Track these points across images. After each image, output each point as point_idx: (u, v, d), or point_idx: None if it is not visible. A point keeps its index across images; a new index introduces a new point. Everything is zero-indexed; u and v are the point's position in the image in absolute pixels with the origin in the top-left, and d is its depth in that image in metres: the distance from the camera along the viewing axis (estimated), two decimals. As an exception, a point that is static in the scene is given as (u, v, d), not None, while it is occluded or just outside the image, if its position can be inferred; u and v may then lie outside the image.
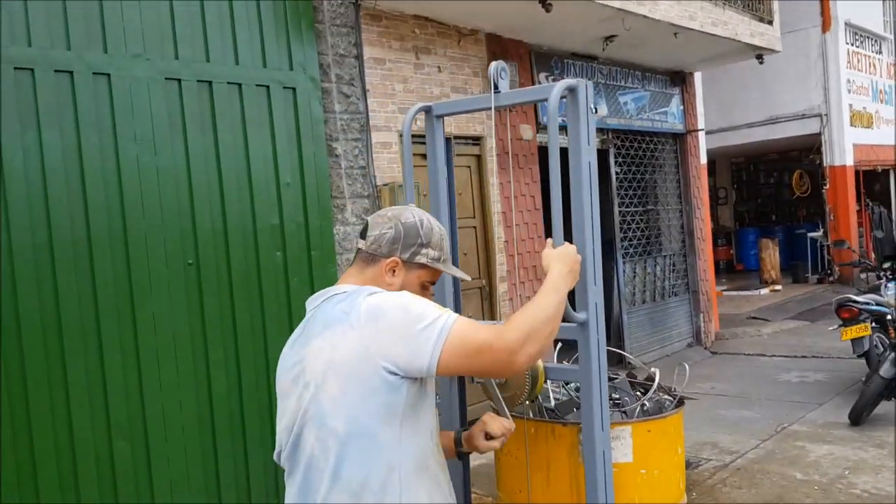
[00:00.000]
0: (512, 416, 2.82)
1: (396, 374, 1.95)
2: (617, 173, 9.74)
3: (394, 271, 2.14)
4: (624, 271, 9.77)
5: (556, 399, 2.87)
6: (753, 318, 13.17)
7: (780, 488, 5.76)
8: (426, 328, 1.94)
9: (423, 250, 2.15)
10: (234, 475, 5.00)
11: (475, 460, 6.27)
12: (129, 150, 4.56)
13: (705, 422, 7.59)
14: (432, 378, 2.06)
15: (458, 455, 2.48)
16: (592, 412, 2.44)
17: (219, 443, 4.92)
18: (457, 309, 2.74)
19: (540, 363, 2.54)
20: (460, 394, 2.58)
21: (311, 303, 2.14)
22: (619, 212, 9.74)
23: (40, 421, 4.23)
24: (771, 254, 17.14)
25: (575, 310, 2.45)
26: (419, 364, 1.93)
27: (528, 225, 8.10)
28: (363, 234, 2.18)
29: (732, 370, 10.03)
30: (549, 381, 2.92)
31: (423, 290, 2.19)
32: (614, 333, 9.68)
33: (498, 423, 2.37)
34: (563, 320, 2.13)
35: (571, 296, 2.37)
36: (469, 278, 2.42)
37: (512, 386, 2.53)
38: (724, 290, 16.14)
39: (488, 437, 2.38)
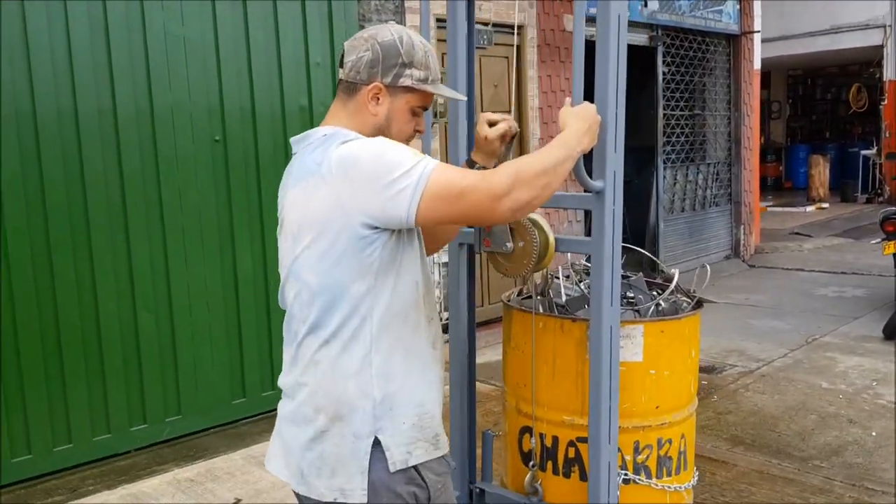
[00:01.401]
0: (521, 310, 2.63)
1: (374, 227, 1.82)
2: (664, 73, 9.25)
3: (377, 99, 1.94)
4: (664, 177, 9.41)
5: (567, 295, 2.67)
6: (796, 233, 12.74)
7: (803, 395, 5.58)
8: (403, 176, 1.77)
9: (407, 71, 1.93)
10: (258, 354, 5.00)
11: (482, 356, 6.17)
12: (155, 19, 4.36)
13: (735, 330, 7.38)
14: (416, 229, 1.93)
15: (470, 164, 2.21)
16: (602, 290, 2.26)
17: (243, 321, 4.90)
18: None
19: (550, 234, 2.32)
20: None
21: (295, 144, 1.99)
22: (664, 115, 9.29)
23: (65, 290, 4.22)
24: (821, 171, 16.49)
25: (592, 178, 2.21)
26: (397, 214, 1.79)
27: (569, 124, 7.73)
28: (341, 62, 1.98)
29: (769, 283, 9.74)
30: (560, 277, 2.71)
31: (415, 117, 2.00)
32: (649, 241, 9.40)
33: (495, 115, 2.15)
34: (580, 189, 1.85)
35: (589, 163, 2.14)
36: (464, 98, 2.17)
37: (519, 254, 2.32)
38: (770, 206, 15.65)
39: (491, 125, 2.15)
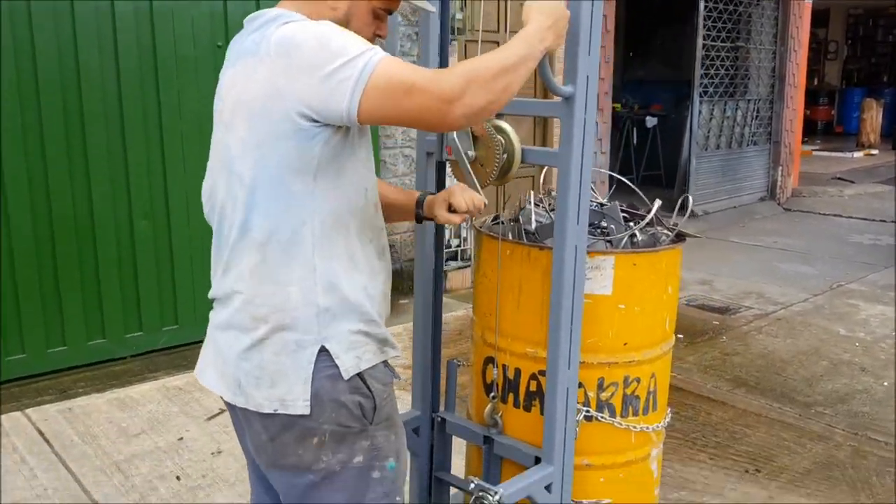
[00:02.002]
0: (489, 236, 2.43)
1: (313, 120, 1.62)
2: (706, 2, 8.66)
3: None
4: (700, 112, 8.97)
5: (538, 222, 2.44)
6: (838, 178, 12.19)
7: (818, 341, 5.32)
8: (347, 64, 1.56)
9: None
10: None
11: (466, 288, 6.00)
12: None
13: (758, 272, 7.08)
14: (362, 127, 1.73)
15: (417, 218, 2.15)
16: (567, 206, 2.07)
17: None
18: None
19: (516, 142, 2.11)
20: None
21: (247, 24, 1.76)
22: (704, 45, 8.77)
23: (60, 194, 4.12)
24: (873, 115, 15.70)
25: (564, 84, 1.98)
26: (336, 108, 1.58)
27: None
28: None
29: (802, 227, 9.35)
30: (531, 203, 2.49)
31: (377, 20, 1.79)
32: (680, 178, 9.03)
33: (465, 198, 2.03)
34: (546, 94, 1.64)
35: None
36: (434, 9, 1.93)
37: (482, 163, 2.12)
38: (816, 151, 14.99)
39: (451, 209, 2.04)
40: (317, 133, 1.61)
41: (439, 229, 2.50)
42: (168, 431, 3.71)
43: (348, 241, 1.72)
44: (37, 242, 4.05)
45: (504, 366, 2.46)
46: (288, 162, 1.63)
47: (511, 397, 2.45)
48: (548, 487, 2.22)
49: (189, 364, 4.46)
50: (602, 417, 2.40)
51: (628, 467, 2.48)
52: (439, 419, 2.60)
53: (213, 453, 3.50)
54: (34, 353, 4.16)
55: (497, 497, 2.06)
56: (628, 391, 2.42)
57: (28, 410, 3.86)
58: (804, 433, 3.96)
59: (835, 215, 10.03)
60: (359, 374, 1.73)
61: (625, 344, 2.38)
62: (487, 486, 2.10)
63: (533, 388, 2.40)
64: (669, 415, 2.65)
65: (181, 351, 4.66)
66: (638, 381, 2.43)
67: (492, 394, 2.48)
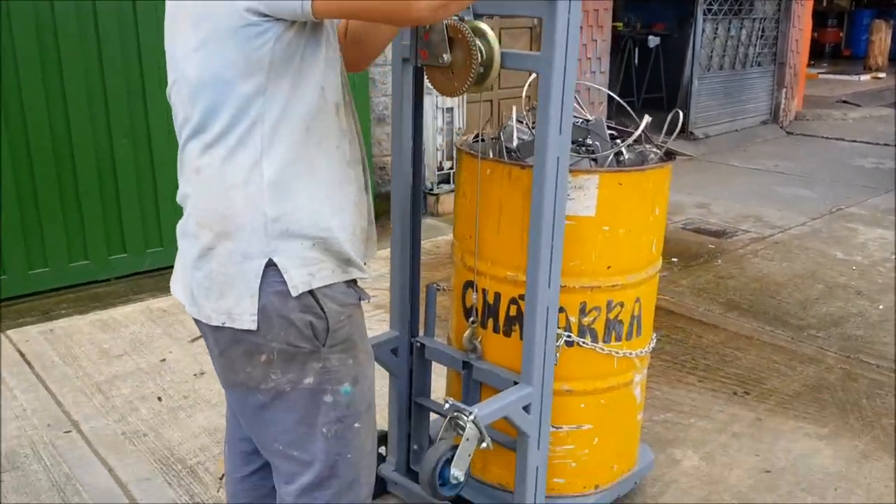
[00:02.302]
0: (469, 154, 2.28)
1: (262, 15, 1.47)
2: None
3: None
4: (703, 31, 8.63)
5: (520, 139, 2.28)
6: (844, 101, 11.87)
7: (815, 265, 5.20)
8: None
9: None
10: None
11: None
12: None
13: (755, 196, 6.91)
14: (322, 25, 1.57)
15: None
16: (549, 116, 1.92)
17: None
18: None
19: (496, 46, 1.94)
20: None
21: None
22: (709, -39, 8.38)
23: (35, 113, 3.95)
24: (882, 37, 15.23)
25: None
26: (289, 2, 1.44)
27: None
28: None
29: (804, 151, 9.12)
30: (514, 119, 2.32)
31: None
32: (681, 100, 8.76)
33: None
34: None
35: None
36: None
37: (458, 68, 1.96)
38: (822, 73, 14.58)
39: None
40: (267, 29, 1.46)
41: (417, 143, 2.34)
42: (150, 353, 3.63)
43: (306, 146, 1.57)
44: (15, 163, 3.90)
45: (484, 290, 2.34)
46: (236, 61, 1.49)
47: (491, 322, 2.34)
48: (526, 409, 2.13)
49: (174, 286, 4.37)
50: (584, 343, 2.28)
51: (610, 393, 2.38)
52: (418, 344, 2.49)
53: (195, 374, 3.42)
54: (16, 274, 4.05)
55: (472, 417, 1.96)
56: (611, 316, 2.30)
57: (9, 332, 3.78)
58: (795, 356, 3.87)
59: (838, 139, 9.78)
60: (311, 293, 1.60)
61: (608, 267, 2.25)
62: (462, 406, 2.00)
63: (513, 312, 2.28)
64: (654, 340, 2.54)
65: (166, 273, 4.51)
66: (622, 305, 2.30)
67: (471, 319, 2.36)
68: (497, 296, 2.30)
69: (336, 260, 1.64)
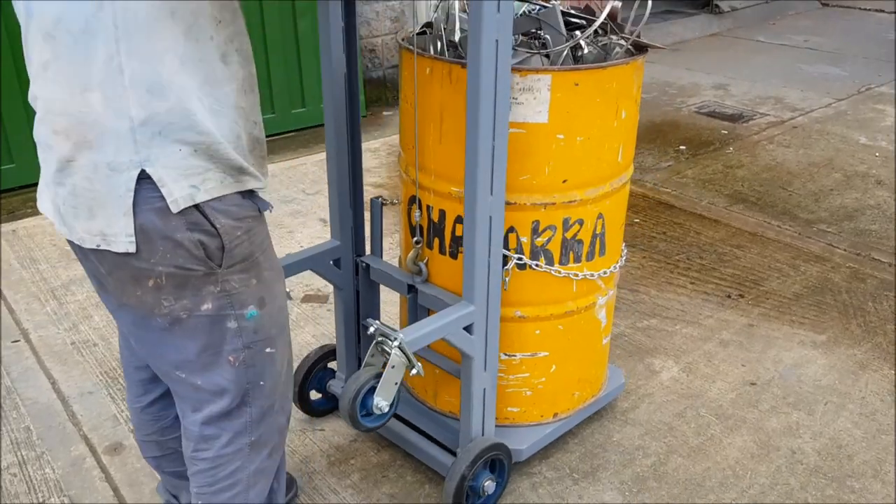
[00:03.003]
0: (408, 50, 1.92)
1: None
2: None
3: None
4: None
5: (463, 31, 1.89)
6: (886, -34, 10.74)
7: (833, 151, 4.73)
8: None
9: None
10: (284, 69, 4.36)
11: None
12: None
13: (779, 75, 6.31)
14: None
15: None
16: (482, 19, 1.53)
17: (268, 33, 4.58)
18: None
19: None
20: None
21: None
22: None
23: None
24: None
25: None
26: None
27: None
28: None
29: (838, 24, 8.34)
30: (456, 8, 1.92)
31: None
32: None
33: None
34: None
35: None
36: None
37: None
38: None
39: None
40: None
41: (350, 24, 1.97)
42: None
43: (172, 35, 1.25)
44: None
45: (428, 207, 2.02)
46: None
47: (437, 242, 2.03)
48: (468, 329, 1.86)
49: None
50: (537, 265, 1.97)
51: (569, 318, 2.08)
52: (363, 264, 2.22)
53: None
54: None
55: (396, 342, 1.70)
56: (568, 235, 1.97)
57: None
58: (800, 254, 3.51)
59: (876, 10, 8.91)
60: (198, 208, 1.32)
61: (564, 181, 1.91)
62: (388, 329, 1.73)
63: (459, 232, 1.97)
64: (625, 256, 2.21)
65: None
66: (581, 223, 1.97)
67: (415, 238, 2.06)
68: (442, 213, 1.98)
69: (225, 168, 1.35)
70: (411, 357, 1.71)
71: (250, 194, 1.42)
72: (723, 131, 5.07)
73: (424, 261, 2.06)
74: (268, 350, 1.50)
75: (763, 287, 3.22)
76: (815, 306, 3.08)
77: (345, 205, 2.16)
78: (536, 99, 1.80)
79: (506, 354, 2.08)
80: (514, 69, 1.76)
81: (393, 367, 1.69)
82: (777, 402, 2.51)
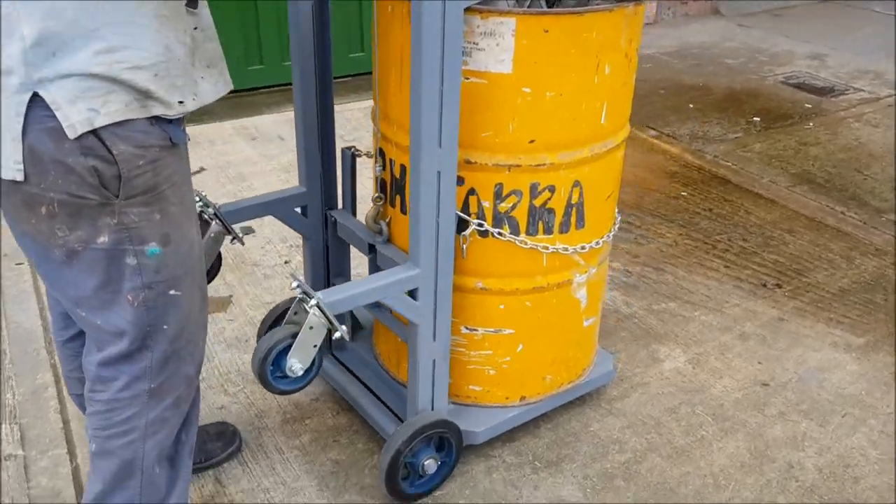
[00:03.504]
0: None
1: None
2: None
3: None
4: None
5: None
6: None
7: (927, 136, 4.18)
8: None
9: None
10: (275, 18, 4.25)
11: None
12: None
13: (886, 49, 5.65)
14: None
15: None
16: None
17: None
18: None
19: None
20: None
21: None
22: None
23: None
24: None
25: None
26: None
27: None
28: None
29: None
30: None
31: None
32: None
33: None
34: None
35: None
36: None
37: None
38: None
39: None
40: None
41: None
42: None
43: None
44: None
45: (391, 161, 1.83)
46: None
47: (398, 200, 1.84)
48: (413, 295, 1.68)
49: (190, 117, 4.06)
50: (500, 234, 1.75)
51: (539, 294, 1.85)
52: (332, 219, 2.05)
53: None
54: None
55: (314, 302, 1.53)
56: (537, 202, 1.74)
57: None
58: (859, 245, 3.10)
59: None
60: (95, 133, 1.20)
61: (531, 141, 1.67)
62: (308, 288, 1.56)
63: (419, 190, 1.78)
64: (614, 231, 1.95)
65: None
66: (552, 190, 1.73)
67: (377, 195, 1.87)
68: (403, 169, 1.79)
69: (130, 91, 1.21)
70: (332, 319, 1.54)
71: (163, 122, 1.27)
72: (806, 105, 4.58)
73: (387, 220, 1.87)
74: (172, 292, 1.37)
75: (806, 278, 2.86)
76: (860, 305, 2.71)
77: (312, 150, 1.99)
78: (499, 45, 1.56)
79: (467, 328, 1.88)
80: (473, 9, 1.53)
81: (311, 328, 1.53)
82: (787, 408, 2.21)
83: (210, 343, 2.42)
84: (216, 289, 2.72)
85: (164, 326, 1.39)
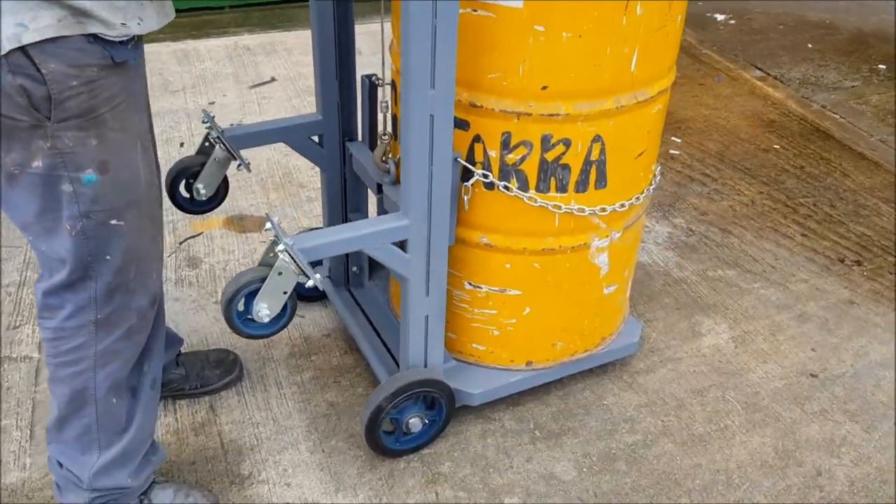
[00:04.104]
0: None
1: None
2: None
3: None
4: None
5: None
6: None
7: None
8: None
9: None
10: None
11: None
12: None
13: None
14: None
15: None
16: None
17: None
18: None
19: None
20: None
21: None
22: None
23: None
24: None
25: None
26: None
27: None
28: None
29: None
30: None
31: None
32: None
33: None
34: None
35: None
36: None
37: None
38: None
39: None
40: None
41: None
42: (206, 92, 3.35)
43: None
44: None
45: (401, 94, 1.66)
46: None
47: (407, 138, 1.68)
48: (403, 246, 1.55)
49: (275, 23, 3.98)
50: (506, 187, 1.58)
51: (549, 257, 1.68)
52: (349, 153, 1.92)
53: (231, 123, 3.10)
54: None
55: (281, 247, 1.43)
56: (549, 157, 1.54)
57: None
58: (972, 224, 2.71)
59: None
60: (23, 50, 1.11)
61: (544, 88, 1.46)
62: (282, 231, 1.46)
63: (426, 131, 1.62)
64: (647, 192, 1.73)
65: (275, 9, 4.18)
66: (567, 144, 1.53)
67: (384, 132, 1.72)
68: (412, 106, 1.62)
69: (64, 7, 1.12)
70: (304, 267, 1.43)
71: (104, 41, 1.17)
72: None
73: (396, 158, 1.73)
74: (113, 222, 1.30)
75: (892, 257, 2.52)
76: (955, 294, 2.37)
77: (328, 74, 1.85)
78: (508, -26, 1.35)
79: (470, 284, 1.74)
80: (480, -70, 1.32)
81: (280, 273, 1.43)
82: (832, 406, 1.96)
83: (239, 263, 2.39)
84: (257, 206, 2.68)
85: (107, 257, 1.32)
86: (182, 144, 2.95)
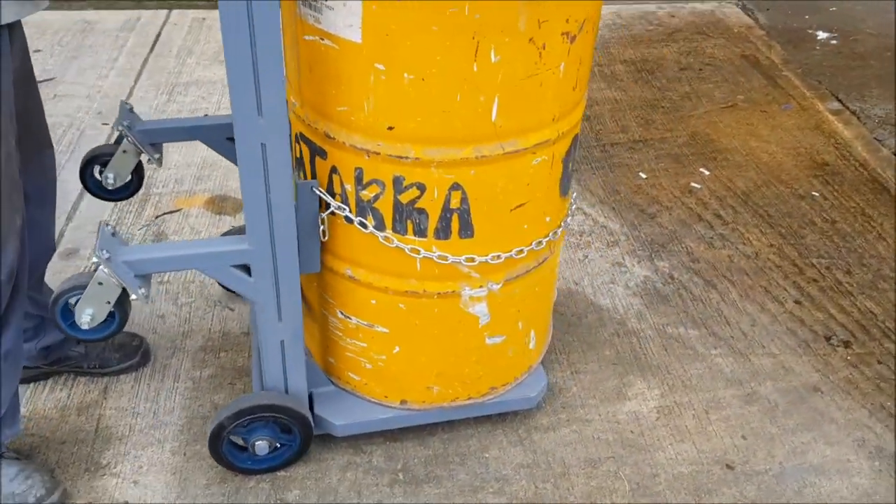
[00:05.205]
0: None
1: None
2: None
3: None
4: None
5: None
6: None
7: None
8: None
9: None
10: None
11: None
12: None
13: None
14: None
15: None
16: None
17: None
18: None
19: None
20: None
21: None
22: None
23: None
24: None
25: None
26: None
27: None
28: None
29: None
30: None
31: None
32: None
33: None
34: None
35: None
36: None
37: None
38: None
39: None
40: None
41: None
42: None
43: None
44: None
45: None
46: None
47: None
48: (247, 270, 1.52)
49: None
50: (362, 224, 1.50)
51: (415, 300, 1.59)
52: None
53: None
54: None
55: (94, 261, 1.41)
56: (403, 199, 1.45)
57: None
58: None
59: None
60: None
61: (390, 128, 1.37)
62: (109, 241, 1.44)
63: (297, 153, 1.56)
64: (539, 246, 1.59)
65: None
66: (421, 188, 1.43)
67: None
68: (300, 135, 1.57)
69: None
70: (123, 280, 1.42)
71: None
72: None
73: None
74: None
75: (890, 344, 2.22)
76: (951, 398, 2.07)
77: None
78: (346, 7, 1.26)
79: (342, 313, 1.68)
80: (313, -44, 1.24)
81: (100, 283, 1.43)
82: (747, 505, 1.77)
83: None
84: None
85: None
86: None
